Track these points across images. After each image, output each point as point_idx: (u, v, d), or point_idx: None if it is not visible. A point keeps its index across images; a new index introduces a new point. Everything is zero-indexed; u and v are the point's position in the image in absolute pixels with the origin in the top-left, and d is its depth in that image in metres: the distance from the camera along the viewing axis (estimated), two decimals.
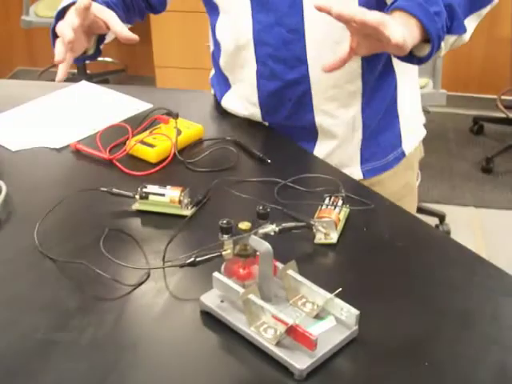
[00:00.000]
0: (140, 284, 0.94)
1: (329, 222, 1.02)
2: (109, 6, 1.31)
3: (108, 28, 1.24)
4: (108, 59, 4.25)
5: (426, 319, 0.89)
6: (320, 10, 1.04)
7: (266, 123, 1.38)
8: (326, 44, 1.22)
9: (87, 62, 1.41)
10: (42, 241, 1.02)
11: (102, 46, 1.37)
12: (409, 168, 1.44)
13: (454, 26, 1.14)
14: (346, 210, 1.08)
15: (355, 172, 1.35)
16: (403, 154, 1.40)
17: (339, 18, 1.02)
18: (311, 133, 1.34)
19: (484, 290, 0.95)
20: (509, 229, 3.00)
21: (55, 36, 1.24)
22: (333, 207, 1.06)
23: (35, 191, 1.18)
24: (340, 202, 1.08)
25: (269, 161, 1.24)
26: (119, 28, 1.21)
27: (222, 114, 1.46)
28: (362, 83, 1.28)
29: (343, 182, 1.15)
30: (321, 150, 1.35)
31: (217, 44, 1.38)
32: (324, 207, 1.07)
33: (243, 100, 1.37)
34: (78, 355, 0.83)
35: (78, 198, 1.11)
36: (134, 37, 1.21)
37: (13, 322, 0.88)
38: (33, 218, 1.07)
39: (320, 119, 1.32)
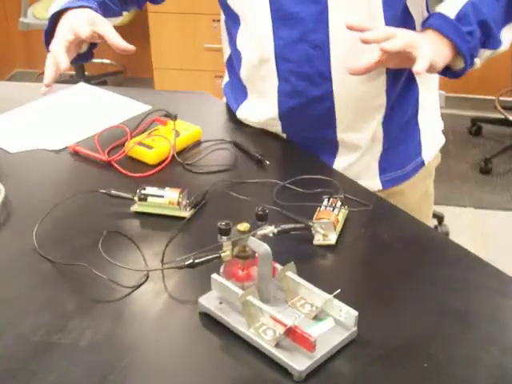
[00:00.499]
0: (139, 286, 0.94)
1: (327, 224, 1.02)
2: (105, 3, 1.30)
3: (102, 38, 1.22)
4: (106, 61, 4.25)
5: (424, 320, 0.89)
6: (351, 28, 1.09)
7: (285, 135, 1.34)
8: (350, 59, 1.16)
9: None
10: (40, 243, 1.02)
11: (94, 50, 1.35)
12: (427, 176, 1.42)
13: (489, 41, 1.17)
14: (344, 212, 1.08)
15: (374, 183, 1.33)
16: (423, 164, 1.38)
17: (365, 42, 1.07)
18: (332, 147, 1.31)
19: (483, 291, 0.95)
20: (507, 230, 3.00)
21: (48, 39, 1.24)
22: (331, 208, 1.06)
23: (34, 193, 1.18)
24: (339, 204, 1.08)
25: (267, 162, 1.24)
26: (115, 40, 1.21)
27: (220, 115, 1.46)
28: (386, 98, 1.26)
29: (342, 184, 1.15)
30: (341, 162, 1.32)
31: (237, 53, 1.33)
32: (323, 208, 1.07)
33: (262, 113, 1.34)
34: (77, 356, 0.83)
35: (77, 200, 1.11)
36: (131, 47, 1.21)
37: (12, 323, 0.88)
38: (31, 219, 1.07)
39: (342, 134, 1.29)
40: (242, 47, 1.31)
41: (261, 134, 1.37)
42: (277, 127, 1.34)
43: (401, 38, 1.07)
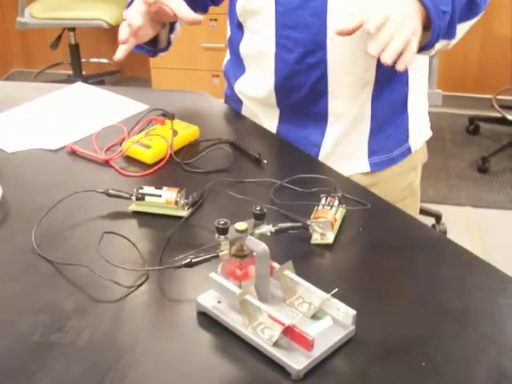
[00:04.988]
0: (138, 286, 0.94)
1: (325, 223, 1.02)
2: None
3: (175, 16, 1.22)
4: (103, 60, 4.25)
5: (422, 319, 0.89)
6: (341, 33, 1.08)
7: (278, 111, 1.37)
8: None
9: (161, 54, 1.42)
10: (39, 242, 1.02)
11: (172, 37, 1.38)
12: (413, 169, 1.45)
13: (449, 31, 1.16)
14: (342, 211, 1.08)
15: (363, 164, 1.37)
16: (409, 151, 1.42)
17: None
18: (322, 118, 1.34)
19: (481, 290, 0.95)
20: (505, 228, 3.00)
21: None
22: (329, 207, 1.06)
23: (32, 193, 1.18)
24: (336, 202, 1.08)
25: (265, 161, 1.24)
26: (182, 10, 1.21)
27: (218, 114, 1.46)
28: (375, 72, 1.29)
29: (339, 182, 1.15)
30: (330, 137, 1.35)
31: (238, 26, 1.38)
32: (320, 207, 1.07)
33: (258, 83, 1.37)
34: (76, 357, 0.83)
35: (75, 200, 1.11)
36: (199, 17, 1.21)
37: (10, 323, 0.88)
38: (30, 219, 1.07)
39: (333, 105, 1.32)
40: (243, 18, 1.35)
41: (258, 133, 1.37)
42: (271, 99, 1.36)
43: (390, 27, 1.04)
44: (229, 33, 1.45)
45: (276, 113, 1.38)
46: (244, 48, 1.39)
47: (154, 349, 0.85)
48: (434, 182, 3.25)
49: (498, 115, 3.66)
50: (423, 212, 2.92)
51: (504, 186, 3.29)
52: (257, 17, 1.32)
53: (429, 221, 2.91)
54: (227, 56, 1.51)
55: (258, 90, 1.38)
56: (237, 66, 1.44)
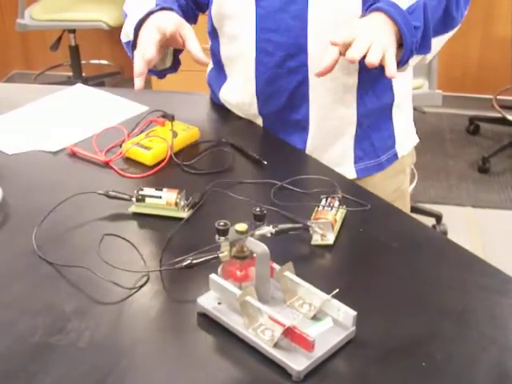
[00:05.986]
0: (140, 287, 0.94)
1: (326, 224, 1.02)
2: (184, 7, 1.34)
3: (184, 45, 1.23)
4: (103, 62, 4.25)
5: (423, 319, 0.89)
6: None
7: (261, 119, 1.37)
8: (327, 33, 1.21)
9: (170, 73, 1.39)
10: (39, 244, 1.02)
11: (180, 56, 1.35)
12: (401, 172, 1.45)
13: (423, 45, 1.18)
14: (342, 211, 1.08)
15: (349, 171, 1.35)
16: (396, 156, 1.41)
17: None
18: (304, 126, 1.34)
19: (481, 290, 0.95)
20: (505, 228, 3.00)
21: (134, 46, 1.24)
22: (329, 208, 1.06)
23: (32, 195, 1.18)
24: (336, 203, 1.08)
25: (265, 162, 1.24)
26: (195, 48, 1.21)
27: (217, 115, 1.46)
28: (358, 78, 1.29)
29: (339, 183, 1.15)
30: (313, 145, 1.34)
31: (213, 32, 1.38)
32: (321, 208, 1.07)
33: (240, 89, 1.37)
34: (76, 358, 0.83)
35: (75, 201, 1.11)
36: (206, 61, 1.22)
37: (10, 324, 0.88)
38: (30, 221, 1.07)
39: (315, 112, 1.31)
40: (219, 23, 1.35)
41: (258, 135, 1.37)
42: (253, 107, 1.36)
43: (360, 44, 1.08)
44: (209, 41, 1.44)
45: (259, 123, 1.38)
46: (224, 54, 1.38)
47: (155, 350, 0.85)
48: (434, 183, 3.25)
49: (499, 115, 3.66)
50: (424, 212, 2.92)
51: (504, 186, 3.29)
52: (235, 21, 1.31)
53: (429, 221, 2.91)
54: (210, 64, 1.49)
55: (240, 95, 1.38)
56: (219, 73, 1.43)
